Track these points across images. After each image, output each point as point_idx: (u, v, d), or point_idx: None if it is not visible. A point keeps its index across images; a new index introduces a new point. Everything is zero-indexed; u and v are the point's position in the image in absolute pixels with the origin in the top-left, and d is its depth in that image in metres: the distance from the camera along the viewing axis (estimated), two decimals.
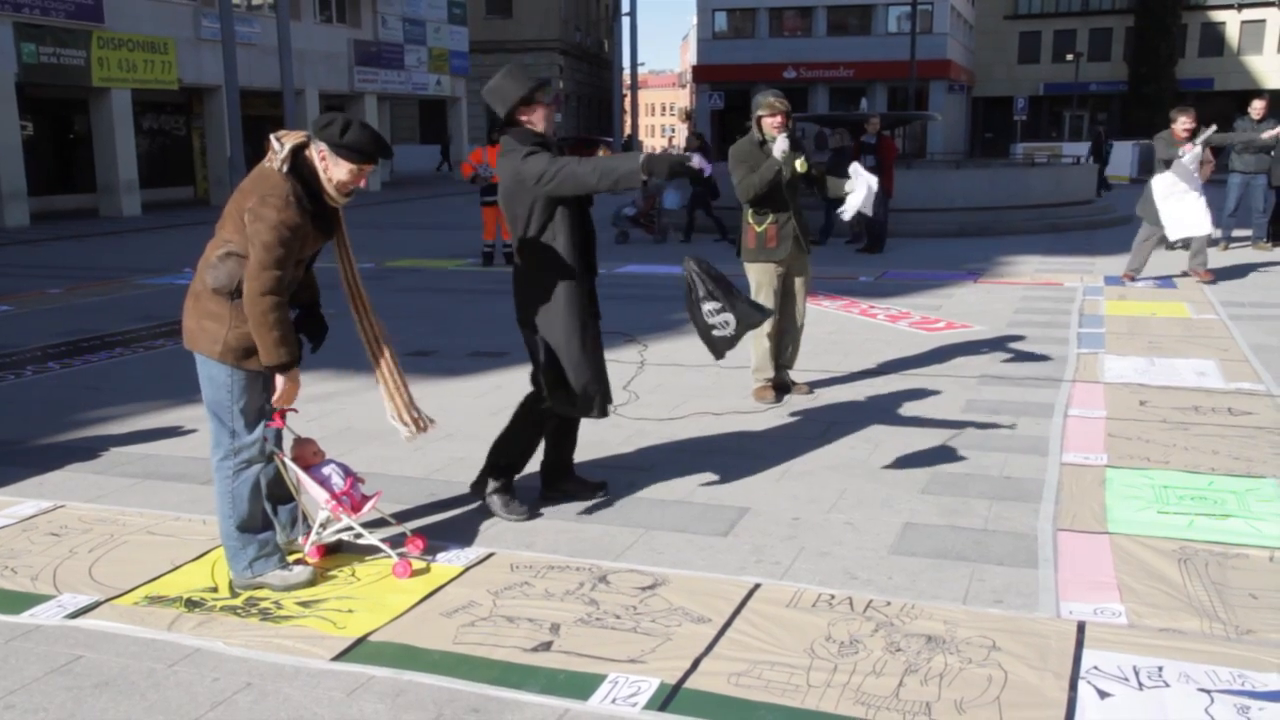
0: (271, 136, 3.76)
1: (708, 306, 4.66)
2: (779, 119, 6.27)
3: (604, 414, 4.66)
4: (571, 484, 4.87)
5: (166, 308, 10.54)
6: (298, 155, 3.70)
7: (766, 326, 6.47)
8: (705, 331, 4.71)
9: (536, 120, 4.49)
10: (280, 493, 4.08)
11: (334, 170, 3.71)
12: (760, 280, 6.50)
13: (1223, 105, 45.29)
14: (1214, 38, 52.41)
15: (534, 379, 4.66)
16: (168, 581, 3.96)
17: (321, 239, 3.84)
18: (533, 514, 4.64)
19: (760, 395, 6.62)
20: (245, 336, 3.70)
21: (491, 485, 4.69)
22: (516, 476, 4.74)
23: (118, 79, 22.64)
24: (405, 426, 4.06)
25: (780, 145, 6.18)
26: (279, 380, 3.73)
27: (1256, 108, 14.13)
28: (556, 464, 4.88)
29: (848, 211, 6.21)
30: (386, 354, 4.02)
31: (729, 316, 4.64)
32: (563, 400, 4.53)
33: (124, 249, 17.02)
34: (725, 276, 4.80)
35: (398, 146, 40.85)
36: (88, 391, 7.14)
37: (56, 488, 5.13)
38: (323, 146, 3.69)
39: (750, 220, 6.41)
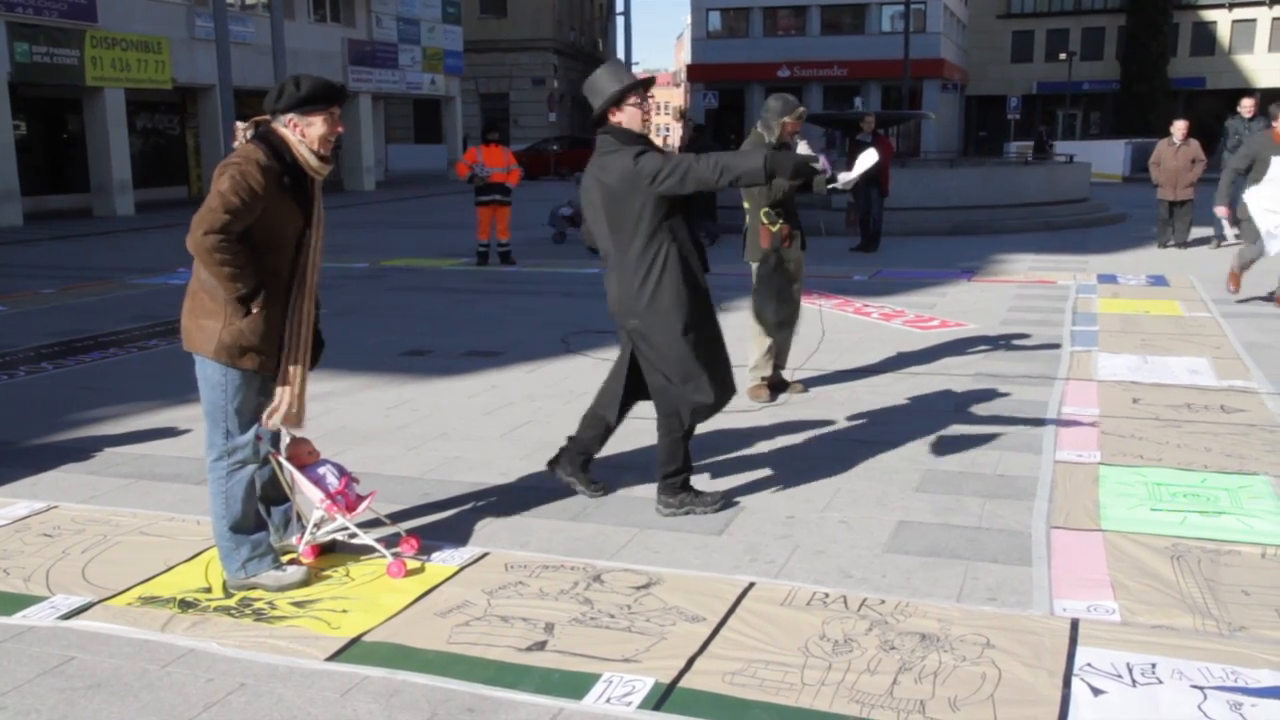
0: (237, 122, 3.85)
1: None
2: (798, 125, 6.40)
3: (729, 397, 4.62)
4: (579, 475, 4.83)
5: (160, 308, 10.52)
6: (260, 126, 3.79)
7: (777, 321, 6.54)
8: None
9: (626, 120, 4.41)
10: (274, 494, 4.08)
11: (310, 130, 3.75)
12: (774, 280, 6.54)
13: (1214, 104, 45.41)
14: (1205, 37, 52.55)
15: (657, 394, 4.53)
16: (161, 582, 3.95)
17: (299, 217, 3.80)
18: (726, 500, 4.68)
19: (755, 394, 6.63)
20: (240, 334, 3.70)
21: (678, 499, 4.62)
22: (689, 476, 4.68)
23: (111, 78, 22.59)
24: (277, 417, 3.85)
25: (817, 158, 6.27)
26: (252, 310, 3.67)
27: (1246, 106, 14.21)
28: (586, 450, 4.81)
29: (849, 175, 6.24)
30: (303, 344, 3.85)
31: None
32: (706, 397, 4.45)
33: (117, 249, 16.97)
34: None
35: (393, 147, 40.81)
36: (81, 392, 7.13)
37: (50, 488, 5.12)
38: (289, 116, 3.73)
39: (764, 220, 6.44)
